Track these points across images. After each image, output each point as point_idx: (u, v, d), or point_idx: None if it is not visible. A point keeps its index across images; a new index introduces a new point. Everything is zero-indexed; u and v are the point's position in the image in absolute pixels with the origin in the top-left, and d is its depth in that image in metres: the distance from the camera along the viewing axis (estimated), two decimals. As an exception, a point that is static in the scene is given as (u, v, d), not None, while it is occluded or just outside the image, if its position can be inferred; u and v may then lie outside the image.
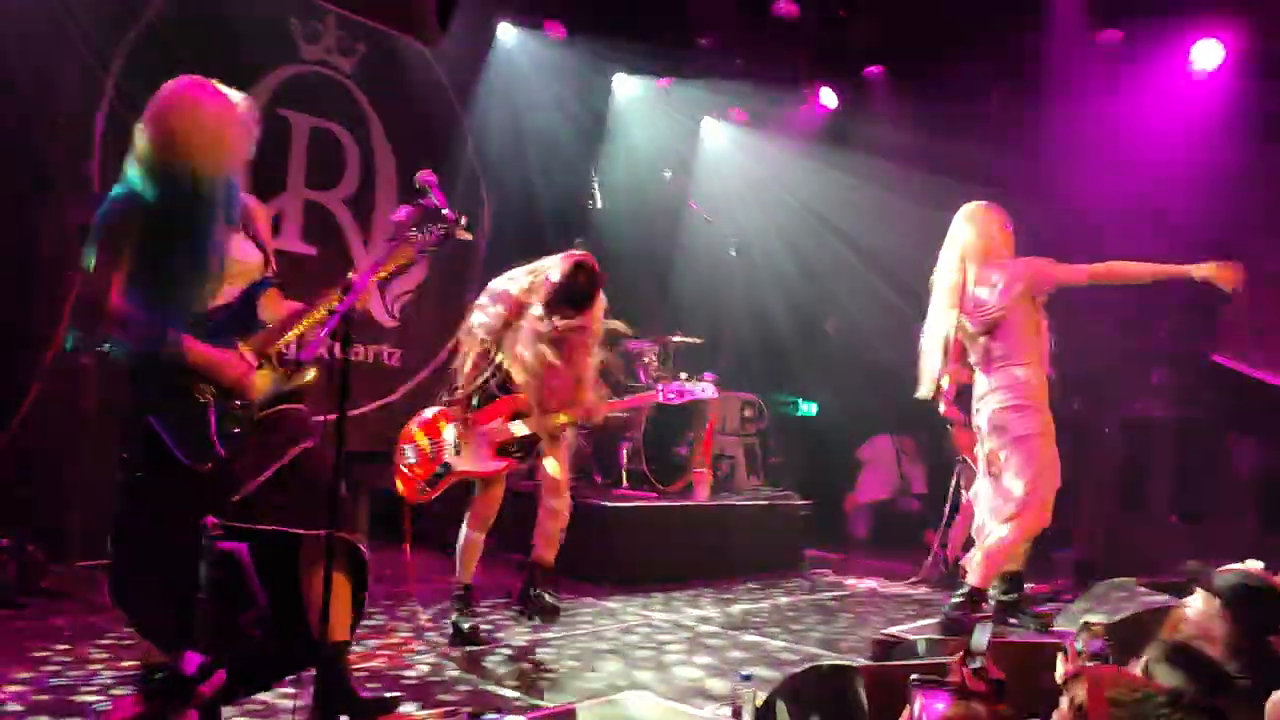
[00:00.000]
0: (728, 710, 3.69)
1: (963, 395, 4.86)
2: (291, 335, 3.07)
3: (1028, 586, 4.64)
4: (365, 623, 4.40)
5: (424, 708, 3.60)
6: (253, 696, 3.36)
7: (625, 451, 7.12)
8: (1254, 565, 2.94)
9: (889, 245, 8.33)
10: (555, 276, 4.39)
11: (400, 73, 7.73)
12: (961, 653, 2.54)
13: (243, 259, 3.05)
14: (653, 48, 8.49)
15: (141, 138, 2.91)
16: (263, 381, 3.03)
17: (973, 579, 4.34)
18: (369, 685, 3.70)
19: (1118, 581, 5.04)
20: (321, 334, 3.02)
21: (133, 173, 2.91)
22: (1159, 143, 7.36)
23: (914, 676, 2.60)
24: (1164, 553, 6.36)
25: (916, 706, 2.52)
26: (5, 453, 5.16)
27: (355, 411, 6.34)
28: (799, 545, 7.61)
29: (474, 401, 4.48)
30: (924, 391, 4.58)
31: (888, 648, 4.28)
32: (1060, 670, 2.63)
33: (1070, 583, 6.45)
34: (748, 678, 3.55)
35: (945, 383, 4.54)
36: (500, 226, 8.28)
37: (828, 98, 9.02)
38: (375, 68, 7.58)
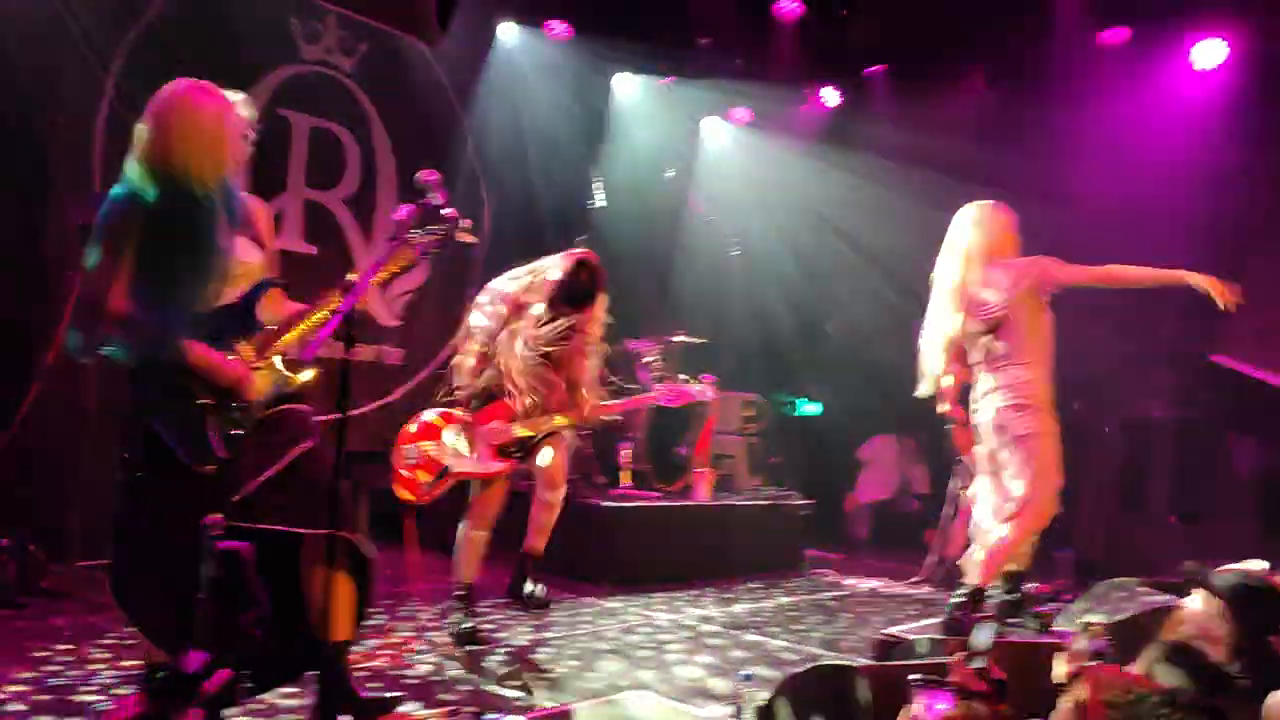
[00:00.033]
0: (729, 710, 3.69)
1: (964, 395, 4.86)
2: (293, 336, 3.07)
3: (1028, 586, 4.64)
4: (366, 622, 4.40)
5: (425, 707, 3.60)
6: (255, 697, 3.36)
7: (626, 451, 7.13)
8: (1255, 565, 2.95)
9: (890, 245, 8.33)
10: (556, 275, 4.39)
11: (401, 72, 7.74)
12: (963, 653, 2.55)
13: (245, 260, 3.06)
14: (653, 47, 8.49)
15: (141, 138, 2.92)
16: (263, 382, 3.03)
17: (973, 578, 4.34)
18: (370, 685, 3.70)
19: (1118, 581, 5.04)
20: (322, 335, 3.02)
21: (133, 173, 2.92)
22: (1160, 142, 7.36)
23: (915, 676, 2.60)
24: (1164, 553, 6.37)
25: (918, 706, 2.52)
26: (6, 452, 5.17)
27: (356, 411, 6.35)
28: (800, 545, 7.61)
29: (473, 403, 4.47)
30: (924, 390, 4.58)
31: (889, 648, 4.28)
32: (1060, 670, 2.63)
33: (1070, 583, 6.45)
34: (749, 677, 3.56)
35: (947, 382, 4.54)
36: (500, 226, 8.28)
37: (829, 97, 9.02)
38: (376, 67, 7.59)
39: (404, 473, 4.57)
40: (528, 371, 4.40)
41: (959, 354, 4.48)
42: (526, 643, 4.70)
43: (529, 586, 4.52)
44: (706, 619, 5.52)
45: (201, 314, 2.96)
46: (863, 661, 3.97)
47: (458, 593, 4.58)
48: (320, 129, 7.30)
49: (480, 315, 4.48)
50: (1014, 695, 2.52)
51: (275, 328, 3.07)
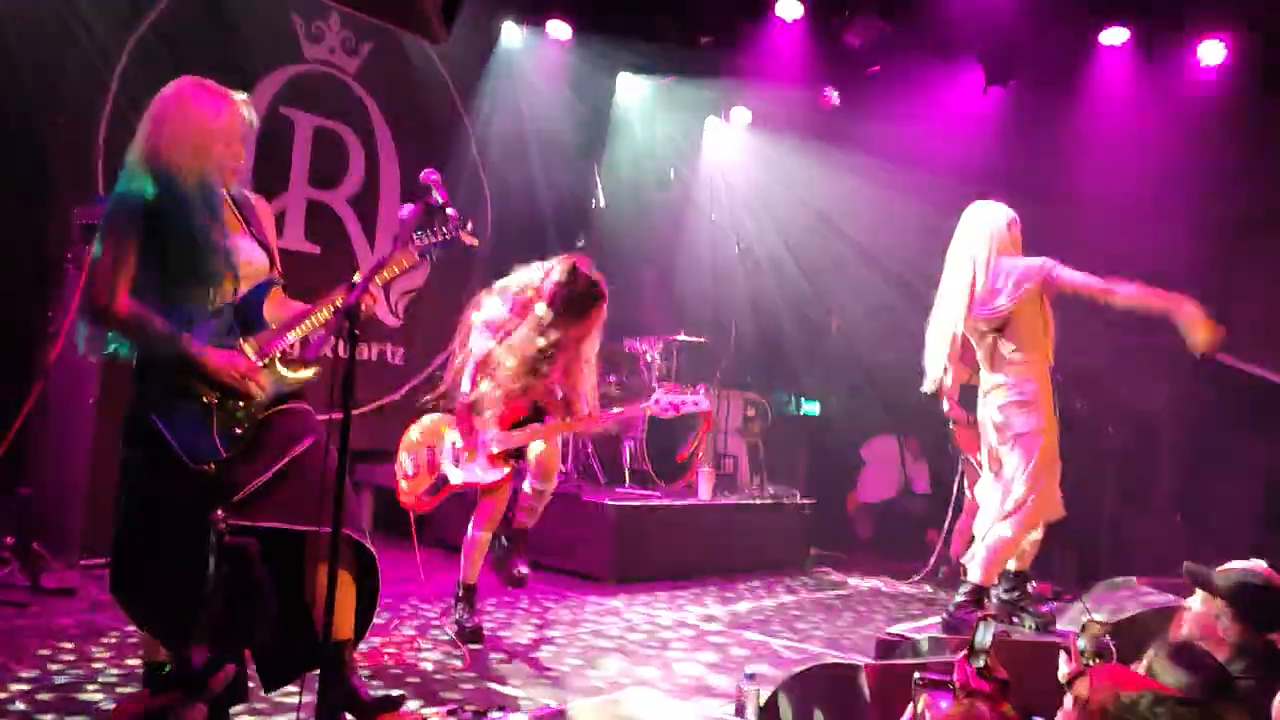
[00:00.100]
0: (731, 707, 3.70)
1: (966, 394, 4.86)
2: (296, 335, 3.08)
3: (1029, 585, 4.63)
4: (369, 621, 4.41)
5: (428, 706, 3.60)
6: (257, 694, 3.37)
7: (628, 450, 7.14)
8: (1257, 564, 2.94)
9: (892, 244, 8.34)
10: (557, 276, 4.38)
11: (404, 72, 7.75)
12: (965, 651, 2.55)
13: (248, 259, 3.05)
14: (656, 47, 8.49)
15: (140, 135, 2.92)
16: (266, 381, 3.03)
17: (975, 577, 4.34)
18: (373, 683, 3.70)
19: (1120, 581, 5.06)
20: (324, 334, 3.03)
21: (131, 169, 2.92)
22: (1161, 141, 7.36)
23: (918, 675, 2.60)
24: (1166, 552, 6.36)
25: (920, 705, 2.53)
26: (9, 451, 5.17)
27: (359, 410, 6.34)
28: (802, 544, 7.62)
29: (473, 409, 4.47)
30: (928, 388, 4.58)
31: (891, 646, 4.29)
32: (1063, 669, 2.63)
33: (1072, 582, 6.45)
34: (751, 676, 3.57)
35: (949, 381, 4.54)
36: (503, 225, 8.29)
37: (831, 97, 9.01)
38: (379, 67, 7.60)
39: (403, 482, 4.58)
40: (526, 378, 4.40)
41: (962, 352, 4.48)
42: (529, 641, 4.71)
43: (523, 569, 4.57)
44: (709, 617, 5.52)
45: (204, 312, 2.96)
46: (865, 660, 3.97)
47: (461, 591, 4.59)
48: (323, 128, 7.31)
49: (480, 319, 4.48)
50: (1016, 694, 2.52)
51: (277, 326, 3.07)
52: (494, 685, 3.95)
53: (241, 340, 3.02)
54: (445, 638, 4.55)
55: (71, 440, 5.30)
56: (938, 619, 4.54)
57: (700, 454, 7.43)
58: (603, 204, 7.95)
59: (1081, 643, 2.64)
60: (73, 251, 5.26)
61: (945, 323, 4.44)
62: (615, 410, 4.77)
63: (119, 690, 3.51)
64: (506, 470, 4.52)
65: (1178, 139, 7.29)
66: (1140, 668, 2.39)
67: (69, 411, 5.29)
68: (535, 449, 4.51)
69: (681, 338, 7.68)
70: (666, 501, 6.95)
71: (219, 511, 2.84)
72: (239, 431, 2.97)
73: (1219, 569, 2.94)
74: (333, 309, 3.04)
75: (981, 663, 2.49)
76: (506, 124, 8.36)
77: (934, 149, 7.98)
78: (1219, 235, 7.67)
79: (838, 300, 9.28)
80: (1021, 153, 7.72)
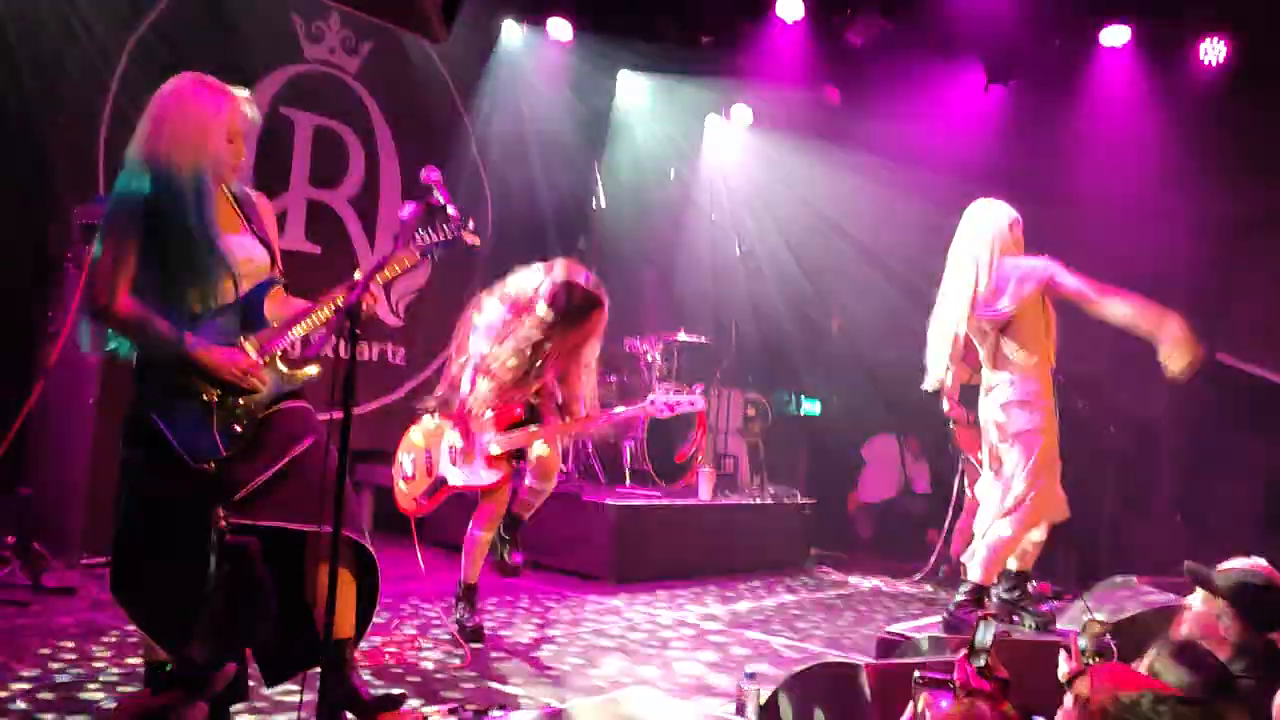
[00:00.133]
0: (731, 707, 3.70)
1: (966, 393, 4.86)
2: (297, 333, 3.07)
3: (1030, 585, 4.63)
4: (370, 621, 4.41)
5: (428, 705, 3.60)
6: (257, 693, 3.37)
7: (628, 450, 7.14)
8: (1258, 563, 2.94)
9: (893, 243, 8.33)
10: (555, 281, 4.38)
11: (404, 71, 7.75)
12: (966, 651, 2.55)
13: (249, 257, 3.05)
14: (656, 46, 8.49)
15: (139, 133, 2.92)
16: (267, 378, 3.03)
17: (975, 576, 4.34)
18: (373, 682, 3.71)
19: (1120, 580, 5.05)
20: (325, 333, 3.03)
21: (130, 165, 2.92)
22: (1161, 141, 7.36)
23: (918, 674, 2.60)
24: (1166, 552, 6.36)
25: (921, 704, 2.53)
26: (9, 451, 5.17)
27: (359, 410, 6.34)
28: (802, 543, 7.62)
29: (471, 411, 4.47)
30: (929, 386, 4.58)
31: (891, 646, 4.29)
32: (1063, 668, 2.63)
33: (1072, 582, 6.45)
34: (752, 676, 3.57)
35: (949, 380, 4.54)
36: (503, 225, 8.29)
37: (832, 95, 9.01)
38: (379, 66, 7.60)
39: (401, 484, 4.59)
40: (523, 380, 4.41)
41: (964, 352, 4.49)
42: (529, 640, 4.71)
43: (517, 559, 4.61)
44: (709, 617, 5.52)
45: (205, 311, 2.96)
46: (866, 660, 3.97)
47: (462, 590, 4.59)
48: (323, 128, 7.31)
49: (480, 322, 4.48)
50: (1017, 694, 2.52)
51: (278, 325, 3.07)
52: (494, 684, 3.95)
53: (242, 338, 3.02)
54: (446, 637, 4.55)
55: (72, 440, 5.30)
56: (938, 618, 4.54)
57: (700, 454, 7.43)
58: (603, 204, 7.94)
59: (1082, 642, 2.64)
60: (73, 251, 5.26)
61: (947, 322, 4.44)
62: (615, 411, 4.78)
63: (120, 689, 3.50)
64: (505, 472, 4.53)
65: (1178, 139, 7.29)
66: (1142, 667, 2.39)
67: (69, 411, 5.29)
68: (537, 450, 4.52)
69: (682, 338, 7.68)
70: (667, 501, 6.95)
71: (220, 510, 2.84)
72: (239, 430, 2.96)
73: (1219, 568, 2.94)
74: (334, 308, 3.03)
75: (982, 662, 2.49)
76: (507, 123, 8.36)
77: (935, 148, 7.97)
78: (1219, 235, 7.67)
79: (838, 300, 9.29)
80: (1022, 152, 7.72)
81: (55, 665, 3.73)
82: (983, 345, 4.46)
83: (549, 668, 4.28)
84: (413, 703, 3.53)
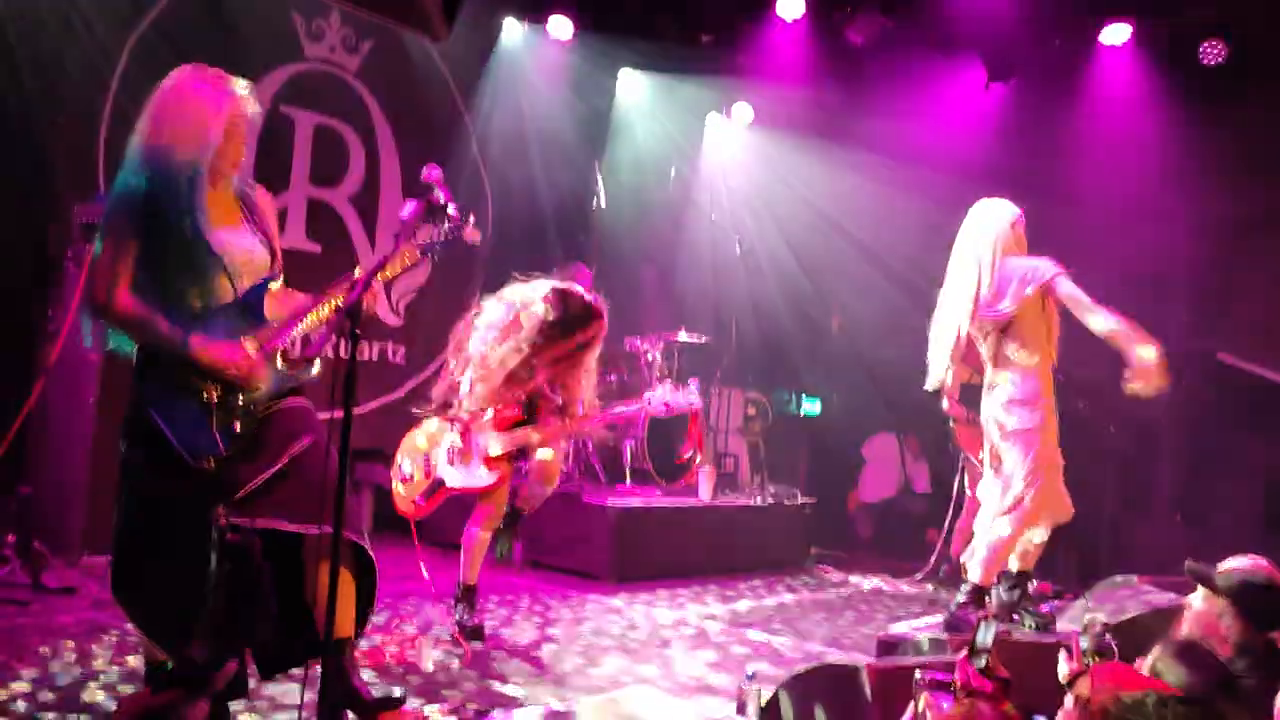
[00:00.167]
0: (732, 706, 3.70)
1: (966, 393, 4.85)
2: (298, 331, 3.06)
3: (1030, 585, 4.63)
4: (371, 619, 4.41)
5: (428, 704, 3.60)
6: (258, 692, 3.37)
7: (629, 450, 7.14)
8: (1258, 562, 2.94)
9: (894, 242, 8.33)
10: (553, 293, 4.42)
11: (404, 69, 7.74)
12: (966, 651, 2.55)
13: (250, 253, 3.04)
14: (657, 44, 8.48)
15: (139, 128, 2.92)
16: (266, 375, 3.03)
17: (975, 576, 4.34)
18: (373, 682, 3.70)
19: (1121, 580, 5.05)
20: (326, 331, 3.02)
21: (131, 163, 2.91)
22: (1161, 140, 7.36)
23: (919, 674, 2.61)
24: (1167, 552, 6.36)
25: (921, 704, 2.53)
26: (9, 450, 5.17)
27: (359, 409, 6.35)
28: (802, 543, 7.62)
29: (468, 413, 4.48)
30: (930, 385, 4.58)
31: (892, 646, 4.29)
32: (1063, 668, 2.63)
33: (1073, 582, 6.45)
34: (752, 675, 3.57)
35: (949, 379, 4.54)
36: (504, 224, 8.29)
37: (832, 94, 9.00)
38: (379, 65, 7.59)
39: (400, 486, 4.60)
40: (521, 382, 4.43)
41: (966, 351, 4.49)
42: (530, 640, 4.71)
43: (513, 550, 4.77)
44: (709, 616, 5.52)
45: (205, 308, 2.95)
46: (866, 660, 3.97)
47: (461, 590, 4.60)
48: (324, 126, 7.31)
49: (481, 323, 4.50)
50: (1017, 694, 2.52)
51: (279, 322, 3.06)
52: (495, 684, 3.95)
53: (243, 336, 3.01)
54: (446, 636, 4.55)
55: (72, 439, 5.30)
56: (939, 618, 4.54)
57: (699, 451, 7.43)
58: (603, 202, 7.94)
59: (1083, 642, 2.64)
60: (73, 250, 5.26)
61: (950, 322, 4.44)
62: (615, 410, 4.80)
63: (120, 689, 3.50)
64: (503, 473, 4.55)
65: (1178, 139, 7.29)
66: (1144, 667, 2.39)
67: (69, 410, 5.29)
68: (542, 455, 4.59)
69: (682, 337, 7.68)
70: (667, 501, 6.95)
71: (220, 509, 2.84)
72: (238, 428, 2.96)
73: (1221, 567, 2.94)
74: (334, 306, 3.02)
75: (983, 662, 2.50)
76: (507, 122, 8.36)
77: (935, 146, 7.97)
78: (1219, 235, 7.67)
79: (839, 299, 9.29)
80: (1022, 151, 7.72)
81: (56, 665, 3.73)
82: (985, 344, 4.46)
83: (549, 667, 4.28)
84: (412, 703, 3.53)
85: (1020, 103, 8.05)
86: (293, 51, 7.12)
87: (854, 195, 8.55)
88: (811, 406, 9.42)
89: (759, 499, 7.56)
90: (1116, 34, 7.62)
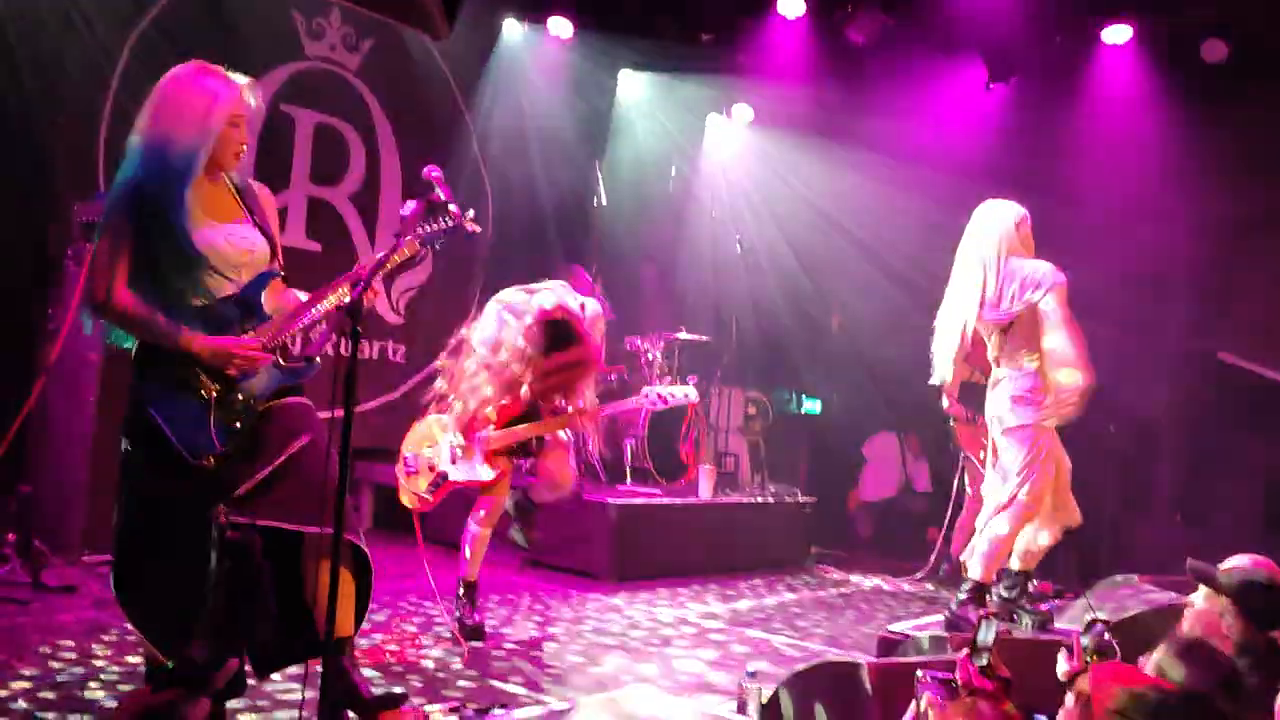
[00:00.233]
0: (732, 705, 3.70)
1: (966, 392, 4.86)
2: (298, 328, 3.06)
3: (1030, 585, 4.64)
4: (371, 617, 4.41)
5: (429, 703, 3.60)
6: (259, 691, 3.37)
7: (629, 448, 7.14)
8: (1260, 560, 2.94)
9: (894, 241, 8.33)
10: (543, 307, 4.45)
11: (405, 68, 7.74)
12: (967, 650, 2.54)
13: (250, 248, 3.03)
14: (657, 44, 8.48)
15: (140, 121, 2.92)
16: (265, 375, 3.02)
17: (975, 574, 4.34)
18: (374, 680, 3.70)
19: (1121, 579, 5.06)
20: (326, 329, 3.01)
21: (130, 157, 2.91)
22: (1161, 140, 7.35)
23: (920, 673, 2.60)
24: (1168, 552, 6.37)
25: (923, 703, 2.52)
26: (9, 449, 5.17)
27: (360, 408, 6.35)
28: (803, 542, 7.62)
29: (471, 410, 4.50)
30: (937, 379, 4.58)
31: (893, 644, 4.29)
32: (1062, 667, 2.63)
33: (1073, 581, 6.45)
34: (753, 674, 3.57)
35: (949, 377, 4.55)
36: (504, 222, 8.29)
37: (832, 93, 9.00)
38: (380, 63, 7.59)
39: (404, 480, 4.63)
40: (514, 390, 4.48)
41: (970, 349, 4.50)
42: (530, 638, 4.71)
43: (530, 534, 4.81)
44: (710, 615, 5.52)
45: (203, 303, 2.95)
46: (866, 658, 3.97)
47: (463, 588, 4.60)
48: (324, 125, 7.30)
49: (474, 340, 4.53)
50: (1018, 693, 2.52)
51: (280, 319, 3.06)
52: (495, 682, 3.95)
53: (244, 332, 3.00)
54: (447, 635, 4.55)
55: (72, 438, 5.29)
56: (939, 617, 4.54)
57: (700, 447, 7.43)
58: (604, 201, 7.94)
59: (1085, 640, 2.64)
60: (73, 249, 5.25)
61: (955, 321, 4.45)
62: (613, 406, 4.84)
63: (121, 688, 3.50)
64: (504, 468, 4.59)
65: (1178, 138, 7.29)
66: (1148, 665, 2.39)
67: (69, 410, 5.28)
68: (552, 463, 4.66)
69: (682, 335, 7.68)
70: (668, 500, 6.94)
71: (220, 507, 2.84)
72: (238, 425, 2.95)
73: (1222, 566, 2.94)
74: (335, 303, 3.01)
75: (984, 661, 2.49)
76: (507, 121, 8.35)
77: (936, 145, 7.97)
78: (1219, 235, 7.67)
79: (839, 298, 9.28)
80: (1023, 150, 7.72)
81: (56, 664, 3.72)
82: (990, 342, 4.48)
83: (550, 666, 4.28)
84: (413, 701, 3.53)
85: (1021, 102, 8.04)
86: (293, 50, 7.11)
87: (854, 194, 8.55)
88: (812, 405, 9.42)
89: (759, 498, 7.56)
90: (1118, 33, 7.61)
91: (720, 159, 9.42)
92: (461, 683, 3.91)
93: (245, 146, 3.08)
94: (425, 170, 3.18)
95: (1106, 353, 7.27)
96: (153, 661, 3.01)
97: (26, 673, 3.59)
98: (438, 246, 3.23)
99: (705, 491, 7.14)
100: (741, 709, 3.54)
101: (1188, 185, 7.39)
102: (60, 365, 5.10)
